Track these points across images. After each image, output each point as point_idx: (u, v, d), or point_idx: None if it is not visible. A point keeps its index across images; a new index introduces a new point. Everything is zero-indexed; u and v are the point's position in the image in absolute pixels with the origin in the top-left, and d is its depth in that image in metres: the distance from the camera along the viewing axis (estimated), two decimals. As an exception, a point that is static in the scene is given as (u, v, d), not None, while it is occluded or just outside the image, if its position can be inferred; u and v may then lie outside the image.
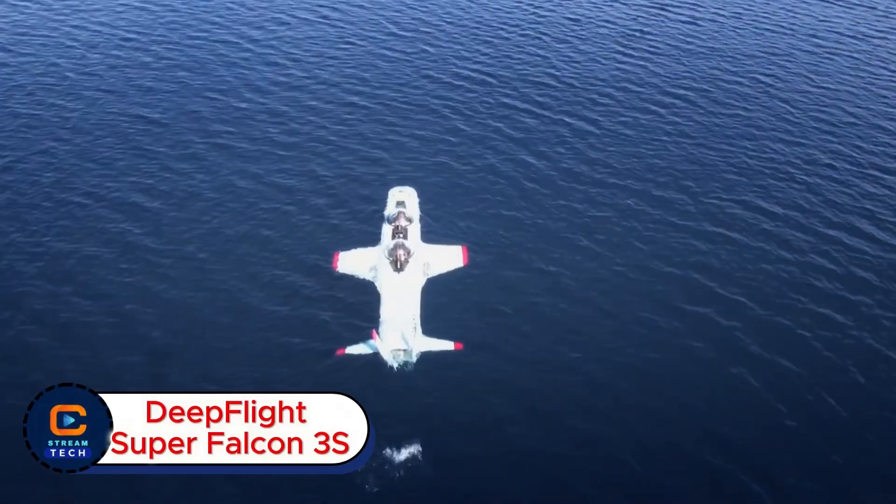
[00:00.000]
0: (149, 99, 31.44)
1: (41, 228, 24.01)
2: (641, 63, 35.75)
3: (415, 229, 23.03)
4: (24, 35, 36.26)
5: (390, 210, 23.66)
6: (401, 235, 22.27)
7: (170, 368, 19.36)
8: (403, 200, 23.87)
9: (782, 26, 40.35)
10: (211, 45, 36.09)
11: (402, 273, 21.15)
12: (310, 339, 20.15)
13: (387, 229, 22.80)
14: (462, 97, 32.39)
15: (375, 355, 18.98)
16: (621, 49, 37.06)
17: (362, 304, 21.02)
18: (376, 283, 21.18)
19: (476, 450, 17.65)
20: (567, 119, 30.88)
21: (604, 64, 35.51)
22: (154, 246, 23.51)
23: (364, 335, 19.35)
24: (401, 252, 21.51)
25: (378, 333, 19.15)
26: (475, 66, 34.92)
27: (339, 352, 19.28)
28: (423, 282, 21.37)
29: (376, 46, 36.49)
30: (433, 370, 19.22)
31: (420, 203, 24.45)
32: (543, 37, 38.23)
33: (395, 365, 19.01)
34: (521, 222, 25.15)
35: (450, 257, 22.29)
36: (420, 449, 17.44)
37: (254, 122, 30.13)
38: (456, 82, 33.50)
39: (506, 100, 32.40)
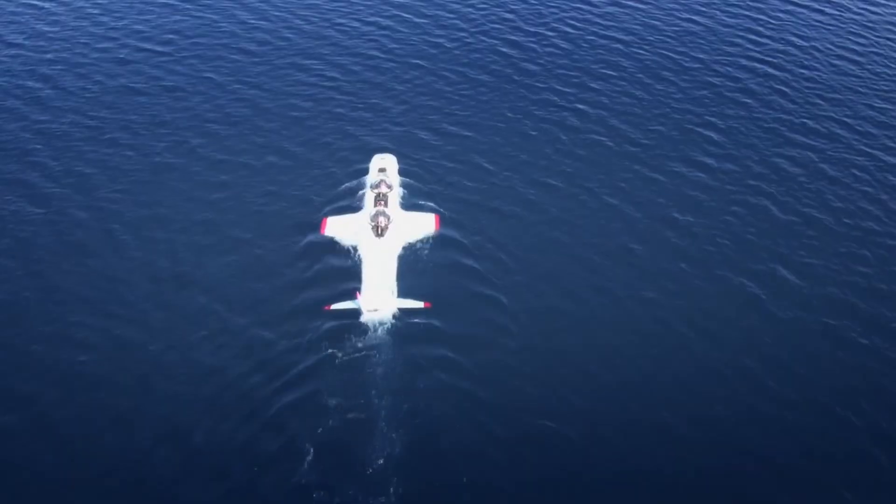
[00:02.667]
0: (173, 104, 31.63)
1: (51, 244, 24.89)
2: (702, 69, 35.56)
3: (394, 196, 25.24)
4: (55, 47, 35.48)
5: (373, 176, 25.67)
6: (382, 202, 24.52)
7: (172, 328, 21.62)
8: (385, 167, 25.94)
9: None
10: (245, 47, 35.76)
11: (382, 239, 23.57)
12: (301, 303, 22.27)
13: (369, 195, 24.97)
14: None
15: (357, 313, 21.52)
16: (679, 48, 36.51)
17: (347, 268, 23.29)
18: (358, 248, 23.56)
19: (473, 448, 19.00)
20: (611, 122, 31.18)
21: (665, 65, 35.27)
22: (147, 229, 25.03)
23: (348, 295, 21.82)
24: (381, 219, 23.81)
25: (360, 294, 21.78)
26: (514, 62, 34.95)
27: (325, 308, 21.88)
28: (400, 247, 23.83)
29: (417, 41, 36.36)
30: (426, 367, 20.87)
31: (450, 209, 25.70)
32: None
33: (372, 324, 21.61)
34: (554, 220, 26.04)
35: (423, 224, 24.55)
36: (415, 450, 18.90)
37: (281, 130, 30.37)
38: (490, 78, 33.75)
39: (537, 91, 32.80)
